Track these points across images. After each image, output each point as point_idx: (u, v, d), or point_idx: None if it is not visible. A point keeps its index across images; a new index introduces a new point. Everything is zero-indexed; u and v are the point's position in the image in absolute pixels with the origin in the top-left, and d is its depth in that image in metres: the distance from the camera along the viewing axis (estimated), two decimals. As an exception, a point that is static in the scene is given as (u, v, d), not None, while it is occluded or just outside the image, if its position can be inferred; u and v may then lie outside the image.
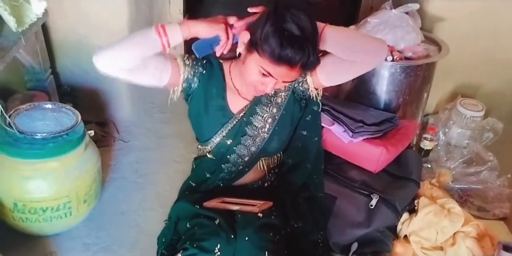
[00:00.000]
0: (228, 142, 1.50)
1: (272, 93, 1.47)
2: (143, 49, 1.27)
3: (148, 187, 2.01)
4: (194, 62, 1.44)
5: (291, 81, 1.34)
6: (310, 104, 1.53)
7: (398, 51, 1.94)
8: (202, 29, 1.28)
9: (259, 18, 1.27)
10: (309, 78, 1.45)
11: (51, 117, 1.66)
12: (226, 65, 1.48)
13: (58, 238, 1.71)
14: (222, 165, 1.54)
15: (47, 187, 1.60)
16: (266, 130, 1.49)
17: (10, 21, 1.65)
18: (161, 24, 1.27)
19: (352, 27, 2.09)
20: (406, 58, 1.95)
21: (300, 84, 1.47)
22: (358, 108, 1.95)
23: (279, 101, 1.49)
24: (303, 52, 1.21)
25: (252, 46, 1.27)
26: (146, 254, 1.65)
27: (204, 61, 1.45)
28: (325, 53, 1.38)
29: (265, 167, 1.59)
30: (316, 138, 1.60)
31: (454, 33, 2.24)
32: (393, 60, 1.89)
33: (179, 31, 1.27)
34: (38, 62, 2.01)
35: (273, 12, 1.24)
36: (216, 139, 1.50)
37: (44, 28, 2.11)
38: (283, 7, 1.24)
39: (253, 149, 1.51)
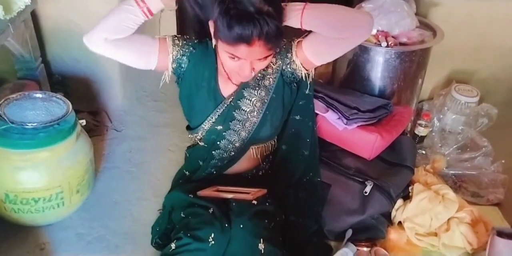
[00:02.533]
0: (218, 128, 1.49)
1: (260, 76, 1.45)
2: (126, 19, 1.28)
3: (142, 177, 2.00)
4: (185, 42, 1.42)
5: (266, 58, 1.30)
6: (301, 86, 1.50)
7: (392, 37, 1.92)
8: None
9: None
10: (295, 58, 1.40)
11: (42, 107, 1.64)
12: (219, 49, 1.46)
13: (51, 228, 1.70)
14: (213, 152, 1.53)
15: (38, 177, 1.58)
16: (255, 114, 1.47)
17: (-3, 9, 1.62)
18: None
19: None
20: (401, 44, 1.93)
21: (288, 66, 1.43)
22: (353, 95, 1.94)
23: (267, 83, 1.46)
24: (253, 25, 1.17)
25: (215, 34, 1.26)
26: (140, 244, 1.64)
27: (197, 41, 1.43)
28: (310, 31, 1.36)
29: (259, 155, 1.58)
30: (310, 123, 1.57)
31: (449, 18, 2.22)
32: (387, 46, 1.87)
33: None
34: (28, 51, 1.98)
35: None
36: (206, 125, 1.49)
37: (34, 16, 2.07)
38: None
39: (243, 134, 1.49)
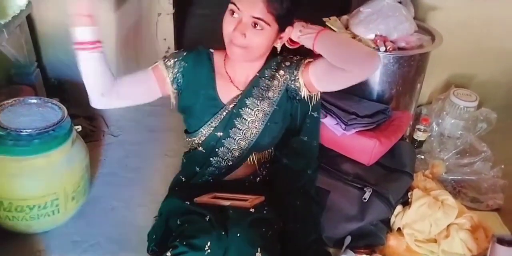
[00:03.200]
0: (219, 135, 1.48)
1: (265, 86, 1.46)
2: (89, 67, 1.39)
3: (139, 182, 1.98)
4: (176, 60, 1.43)
5: (261, 29, 1.30)
6: (302, 104, 1.52)
7: (391, 41, 1.90)
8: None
9: None
10: (300, 77, 1.43)
11: (37, 113, 1.62)
12: (218, 54, 1.48)
13: (46, 236, 1.68)
14: (211, 159, 1.52)
15: (33, 184, 1.56)
16: (256, 124, 1.46)
17: (-9, 14, 1.61)
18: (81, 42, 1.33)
19: (345, 17, 2.06)
20: (399, 48, 1.92)
21: (292, 82, 1.45)
22: (351, 100, 1.92)
23: (271, 95, 1.46)
24: None
25: None
26: (137, 251, 1.62)
27: (186, 53, 1.44)
28: (319, 56, 1.40)
29: (256, 161, 1.57)
30: (315, 142, 1.61)
31: (447, 22, 2.21)
32: (386, 51, 1.86)
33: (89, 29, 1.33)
34: (24, 55, 1.97)
35: None
36: (205, 130, 1.48)
37: (30, 20, 2.06)
38: None
39: (243, 143, 1.48)
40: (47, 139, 1.55)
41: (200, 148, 1.53)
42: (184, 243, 1.27)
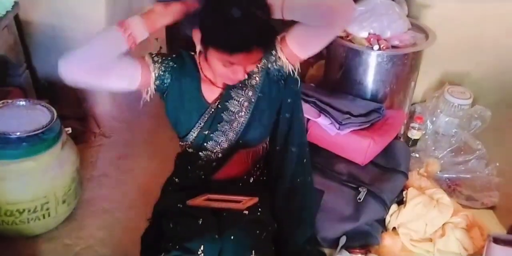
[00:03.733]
0: (205, 133, 1.45)
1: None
2: (109, 48, 1.23)
3: (131, 184, 1.96)
4: (164, 58, 1.39)
5: (260, 59, 1.29)
6: (289, 83, 1.45)
7: (384, 40, 1.89)
8: (166, 21, 1.28)
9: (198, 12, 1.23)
10: (281, 55, 1.38)
11: (26, 115, 1.60)
12: (200, 57, 1.41)
13: (37, 240, 1.67)
14: (200, 153, 1.50)
15: (23, 188, 1.54)
16: (242, 114, 1.43)
17: (-22, 15, 1.58)
18: (124, 20, 1.24)
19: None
20: (393, 47, 1.91)
21: (273, 63, 1.40)
22: (345, 99, 1.91)
23: (254, 83, 1.42)
24: (251, 34, 1.17)
25: (204, 43, 1.24)
26: (130, 254, 1.61)
27: (174, 55, 1.41)
28: (292, 22, 1.34)
29: (249, 159, 1.53)
30: (300, 119, 1.54)
31: (441, 20, 2.20)
32: (379, 49, 1.85)
33: (143, 27, 1.25)
34: (12, 57, 1.94)
35: (206, 3, 1.20)
36: (195, 132, 1.46)
37: (18, 21, 2.03)
38: None
39: (231, 134, 1.46)
40: (36, 142, 1.53)
41: (190, 149, 1.52)
42: (177, 246, 1.26)
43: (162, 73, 1.38)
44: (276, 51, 1.37)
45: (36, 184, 1.55)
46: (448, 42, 2.17)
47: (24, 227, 1.60)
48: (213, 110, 1.43)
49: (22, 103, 1.65)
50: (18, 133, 1.51)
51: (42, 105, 1.65)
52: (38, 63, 2.23)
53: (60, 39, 2.12)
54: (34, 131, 1.53)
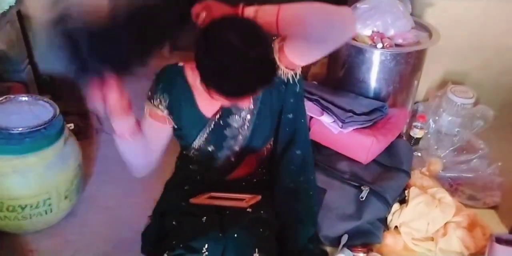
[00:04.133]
0: (210, 149, 1.43)
1: None
2: (134, 149, 1.37)
3: (134, 181, 1.93)
4: (158, 94, 1.35)
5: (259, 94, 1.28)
6: (290, 85, 1.40)
7: (388, 38, 1.89)
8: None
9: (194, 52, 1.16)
10: (279, 64, 1.30)
11: (28, 111, 1.60)
12: (189, 68, 1.36)
13: (39, 235, 1.67)
14: (207, 171, 1.49)
15: (25, 184, 1.54)
16: (246, 127, 1.40)
17: (-20, 10, 1.57)
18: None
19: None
20: (396, 45, 1.90)
21: None
22: (348, 97, 1.90)
23: (254, 96, 1.36)
24: (249, 82, 1.11)
25: (204, 83, 1.18)
26: (131, 251, 1.59)
27: (161, 84, 1.35)
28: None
29: (254, 162, 1.52)
30: (303, 120, 1.49)
31: (444, 19, 2.20)
32: (383, 47, 1.84)
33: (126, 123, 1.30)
34: (14, 52, 1.94)
35: (200, 47, 1.11)
36: (197, 144, 1.43)
37: (20, 17, 2.03)
38: (208, 39, 1.10)
39: (236, 148, 1.44)
40: (38, 137, 1.53)
41: (193, 166, 1.49)
42: (181, 245, 1.25)
43: (165, 105, 1.36)
44: (275, 59, 1.29)
45: (39, 180, 1.55)
46: (451, 42, 2.17)
47: (26, 223, 1.61)
48: (214, 123, 1.39)
49: (25, 98, 1.65)
50: (20, 129, 1.52)
51: (45, 101, 1.65)
52: (40, 59, 2.23)
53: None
54: (37, 126, 1.53)
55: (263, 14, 1.17)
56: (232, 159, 1.46)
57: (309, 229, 1.54)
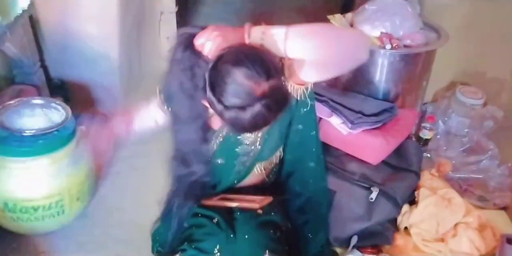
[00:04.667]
0: (219, 161, 1.41)
1: None
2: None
3: (144, 182, 1.97)
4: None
5: None
6: (303, 99, 1.36)
7: (396, 39, 1.89)
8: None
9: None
10: (289, 82, 1.26)
11: (41, 113, 1.61)
12: None
13: (51, 237, 1.68)
14: (217, 185, 1.48)
15: (38, 185, 1.56)
16: (258, 144, 1.39)
17: (-6, 14, 1.60)
18: None
19: (349, 14, 2.04)
20: (405, 46, 1.91)
21: None
22: (357, 98, 1.91)
23: None
24: (264, 113, 1.06)
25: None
26: (142, 252, 1.61)
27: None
28: None
29: (263, 170, 1.49)
30: (314, 132, 1.47)
31: (453, 19, 2.20)
32: (392, 48, 1.85)
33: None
34: (26, 56, 1.96)
35: (209, 88, 1.08)
36: None
37: (32, 21, 2.05)
38: (214, 77, 1.07)
39: (248, 163, 1.43)
40: (51, 139, 1.54)
41: (205, 179, 1.43)
42: (193, 246, 1.26)
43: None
44: (284, 77, 1.24)
45: (51, 181, 1.56)
46: (460, 42, 2.16)
47: (38, 224, 1.62)
48: (221, 136, 1.37)
49: (37, 101, 1.67)
50: (33, 131, 1.53)
51: (57, 103, 1.67)
52: (51, 62, 2.25)
53: (72, 39, 2.14)
54: (49, 129, 1.54)
55: (271, 39, 1.11)
56: (242, 172, 1.46)
57: (320, 239, 1.54)
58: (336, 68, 1.18)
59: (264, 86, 1.05)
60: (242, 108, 1.05)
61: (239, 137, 1.37)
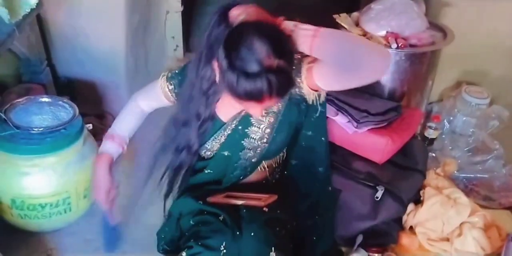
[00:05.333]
0: (226, 154, 1.43)
1: None
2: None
3: (149, 181, 1.97)
4: (175, 72, 1.42)
5: (275, 104, 1.26)
6: (312, 104, 1.37)
7: (402, 38, 1.89)
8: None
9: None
10: (304, 85, 1.28)
11: (48, 111, 1.62)
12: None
13: (58, 234, 1.69)
14: (223, 179, 1.49)
15: (45, 183, 1.56)
16: (265, 140, 1.40)
17: (3, 13, 1.60)
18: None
19: (356, 14, 2.04)
20: (411, 45, 1.91)
21: (296, 90, 1.32)
22: (362, 97, 1.91)
23: (276, 109, 1.38)
24: (263, 85, 1.08)
25: (219, 77, 1.18)
26: (148, 249, 1.62)
27: (181, 69, 1.41)
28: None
29: (267, 168, 1.52)
30: (323, 138, 1.48)
31: (459, 19, 2.20)
32: (397, 48, 1.85)
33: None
34: (34, 54, 1.97)
35: (223, 44, 1.11)
36: (209, 145, 1.43)
37: (40, 19, 2.06)
38: (233, 36, 1.11)
39: (254, 160, 1.44)
40: (58, 137, 1.56)
41: (208, 170, 1.48)
42: (199, 243, 1.27)
43: (174, 89, 1.42)
44: (300, 79, 1.28)
45: (58, 179, 1.57)
46: (466, 42, 2.16)
47: (46, 221, 1.63)
48: (230, 129, 1.40)
49: (45, 99, 1.68)
50: (41, 129, 1.54)
51: (64, 102, 1.68)
52: (58, 61, 2.26)
53: (79, 38, 2.15)
54: (57, 126, 1.56)
55: (300, 32, 1.15)
56: (248, 168, 1.47)
57: (327, 243, 1.54)
58: (352, 78, 1.18)
59: (273, 61, 1.08)
60: (246, 74, 1.08)
61: (246, 131, 1.39)
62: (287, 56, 1.12)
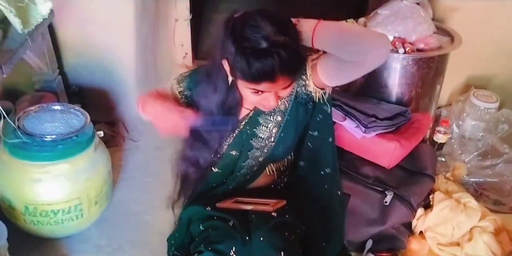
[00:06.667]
0: (233, 153, 1.45)
1: None
2: None
3: (159, 187, 1.99)
4: (186, 74, 1.44)
5: (290, 86, 1.26)
6: (319, 104, 1.42)
7: (410, 43, 1.90)
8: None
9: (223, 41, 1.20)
10: (310, 82, 1.33)
11: (60, 119, 1.65)
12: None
13: (70, 240, 1.71)
14: (230, 178, 1.51)
15: (57, 189, 1.59)
16: (272, 139, 1.43)
17: (16, 23, 1.64)
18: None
19: (362, 19, 2.05)
20: (418, 50, 1.91)
21: (302, 88, 1.37)
22: (370, 102, 1.92)
23: (283, 107, 1.41)
24: (273, 61, 1.12)
25: (231, 72, 1.23)
26: (158, 255, 1.63)
27: (193, 71, 1.44)
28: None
29: (275, 171, 1.53)
30: (330, 139, 1.49)
31: (466, 23, 2.19)
32: (405, 52, 1.86)
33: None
34: (45, 63, 2.00)
35: (229, 33, 1.16)
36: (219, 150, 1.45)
37: (51, 29, 2.10)
38: (237, 22, 1.16)
39: (261, 158, 1.46)
40: (70, 144, 1.58)
41: (216, 169, 1.50)
42: (210, 248, 1.28)
43: (183, 89, 1.43)
44: (306, 76, 1.34)
45: (71, 186, 1.60)
46: (474, 45, 2.16)
47: (58, 228, 1.65)
48: (239, 130, 1.43)
49: (57, 107, 1.71)
50: (53, 136, 1.56)
51: (76, 109, 1.70)
52: (69, 69, 2.30)
53: (90, 46, 2.19)
54: (69, 134, 1.58)
55: (302, 24, 1.23)
56: (255, 168, 1.48)
57: (336, 248, 1.54)
58: (355, 67, 1.23)
59: (280, 37, 1.13)
60: (255, 54, 1.13)
61: (254, 130, 1.41)
62: (292, 34, 1.17)
